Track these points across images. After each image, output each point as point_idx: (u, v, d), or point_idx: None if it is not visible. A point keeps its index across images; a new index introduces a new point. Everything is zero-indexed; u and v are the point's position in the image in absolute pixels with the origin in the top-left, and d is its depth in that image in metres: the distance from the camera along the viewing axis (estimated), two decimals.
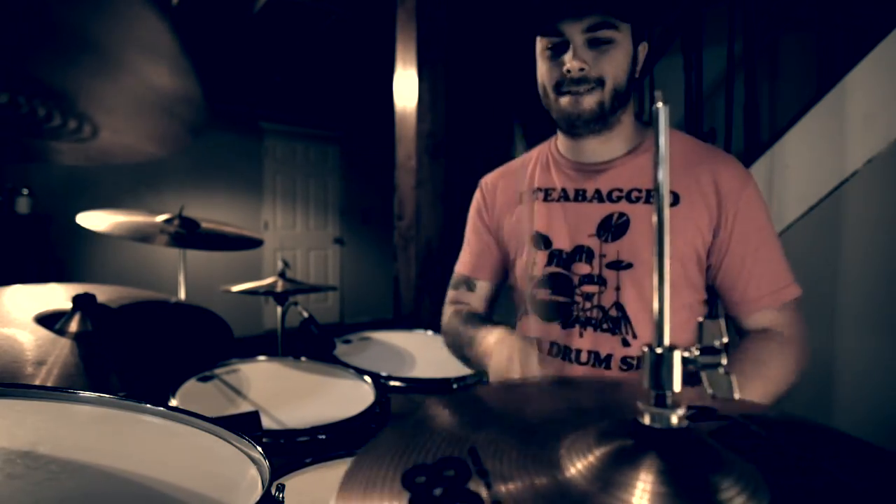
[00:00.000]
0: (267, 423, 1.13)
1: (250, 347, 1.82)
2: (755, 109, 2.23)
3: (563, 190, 1.08)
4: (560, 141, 1.11)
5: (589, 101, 0.96)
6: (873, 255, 1.74)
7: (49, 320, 0.95)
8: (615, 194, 1.02)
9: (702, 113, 2.52)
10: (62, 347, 0.88)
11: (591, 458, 0.37)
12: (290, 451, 1.05)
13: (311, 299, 5.93)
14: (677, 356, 0.37)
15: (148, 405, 0.71)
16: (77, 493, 0.55)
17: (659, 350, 0.38)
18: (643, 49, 1.00)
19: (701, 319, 0.39)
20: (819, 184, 1.85)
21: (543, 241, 1.07)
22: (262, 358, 1.52)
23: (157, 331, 1.08)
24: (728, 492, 0.34)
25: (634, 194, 1.01)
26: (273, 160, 5.84)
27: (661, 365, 0.37)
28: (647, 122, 1.09)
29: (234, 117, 5.41)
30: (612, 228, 1.00)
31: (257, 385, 1.34)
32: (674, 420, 0.37)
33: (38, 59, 0.58)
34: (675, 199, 0.97)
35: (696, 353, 0.38)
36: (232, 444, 0.67)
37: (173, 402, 1.18)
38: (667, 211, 0.37)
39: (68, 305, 0.96)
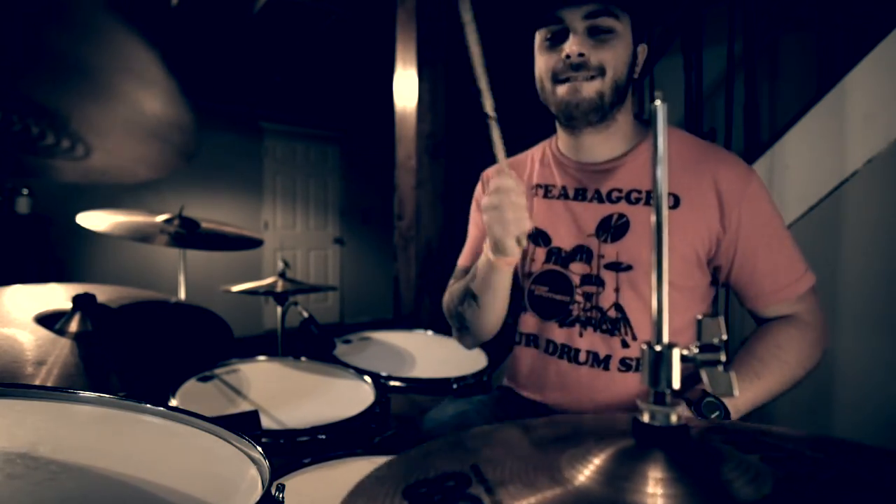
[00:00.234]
0: (267, 423, 1.13)
1: (250, 347, 1.82)
2: (755, 109, 2.23)
3: (564, 188, 1.07)
4: (560, 139, 1.11)
5: (588, 90, 0.95)
6: (873, 255, 1.74)
7: (49, 320, 0.95)
8: (615, 195, 1.02)
9: (702, 113, 2.52)
10: (62, 347, 0.88)
11: (595, 461, 0.37)
12: (290, 451, 1.05)
13: (311, 299, 5.93)
14: (676, 354, 0.37)
15: (148, 405, 0.71)
16: (77, 493, 0.55)
17: (658, 348, 0.38)
18: (642, 51, 1.00)
19: (700, 317, 0.39)
20: (819, 184, 1.85)
21: (542, 237, 1.07)
22: (262, 358, 1.52)
23: (157, 331, 1.08)
24: (737, 480, 0.34)
25: (634, 195, 1.00)
26: (273, 160, 5.84)
27: (660, 362, 0.37)
28: (646, 120, 1.09)
29: (234, 117, 5.41)
30: (612, 229, 1.00)
31: (257, 385, 1.34)
32: (673, 417, 0.37)
33: (32, 80, 0.59)
34: (676, 202, 0.96)
35: (696, 350, 0.39)
36: (232, 444, 0.67)
37: (173, 402, 1.18)
38: (665, 209, 0.38)
39: (68, 305, 0.96)
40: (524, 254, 1.09)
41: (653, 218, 0.38)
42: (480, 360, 1.66)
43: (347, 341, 1.78)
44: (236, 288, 1.93)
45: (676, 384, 0.37)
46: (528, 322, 1.09)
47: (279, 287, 1.92)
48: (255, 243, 2.07)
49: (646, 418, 0.38)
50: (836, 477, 0.37)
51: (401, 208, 3.13)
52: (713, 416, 0.87)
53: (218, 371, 1.39)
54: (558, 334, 1.04)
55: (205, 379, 1.33)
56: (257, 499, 0.55)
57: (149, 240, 1.74)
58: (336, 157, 6.30)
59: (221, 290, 2.02)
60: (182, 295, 2.07)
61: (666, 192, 0.39)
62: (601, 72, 0.94)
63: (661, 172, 0.38)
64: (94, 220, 1.68)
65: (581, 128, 1.01)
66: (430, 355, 1.71)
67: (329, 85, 5.82)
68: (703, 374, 0.39)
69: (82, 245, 4.60)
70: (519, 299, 1.12)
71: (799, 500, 0.33)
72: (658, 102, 0.37)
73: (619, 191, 1.02)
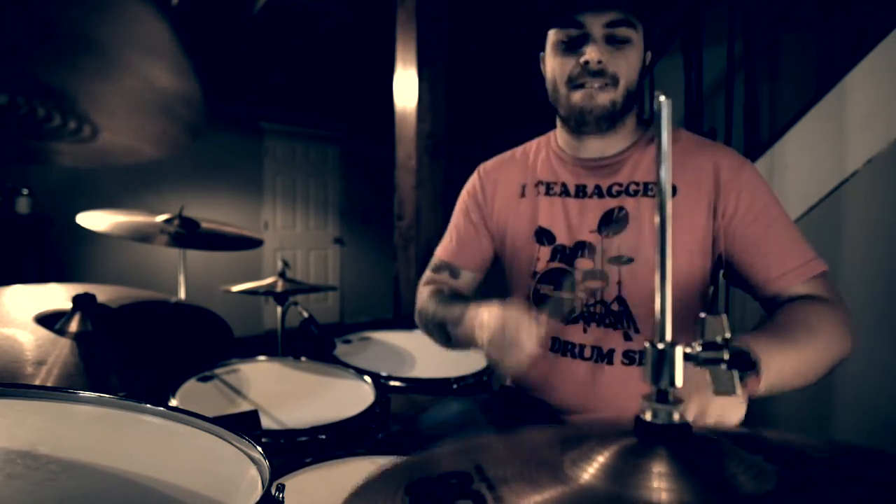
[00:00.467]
0: (267, 423, 1.13)
1: (250, 347, 1.82)
2: (755, 109, 2.23)
3: (564, 185, 1.08)
4: (560, 136, 1.11)
5: (603, 98, 0.96)
6: (873, 255, 1.74)
7: (49, 320, 0.95)
8: (615, 189, 1.03)
9: (702, 113, 2.52)
10: (62, 347, 0.88)
11: (599, 460, 0.37)
12: (290, 451, 1.05)
13: (311, 299, 5.93)
14: (679, 352, 0.37)
15: (148, 405, 0.71)
16: (77, 493, 0.55)
17: (661, 346, 0.38)
18: (648, 56, 1.01)
19: (703, 315, 0.39)
20: (819, 184, 1.85)
21: (546, 235, 1.07)
22: (262, 358, 1.52)
23: (157, 331, 1.08)
24: (740, 476, 0.34)
25: (633, 188, 1.01)
26: (273, 160, 5.84)
27: (662, 361, 0.37)
28: (646, 120, 1.09)
29: (234, 117, 5.41)
30: (613, 223, 1.01)
31: (257, 385, 1.34)
32: (675, 416, 0.37)
33: (37, 59, 0.58)
34: (673, 191, 0.98)
35: (699, 348, 0.38)
36: (232, 444, 0.66)
37: (173, 402, 1.18)
38: (669, 207, 0.37)
39: (68, 305, 0.96)
40: (529, 254, 1.09)
41: (657, 218, 0.38)
42: (481, 359, 1.66)
43: (347, 341, 1.78)
44: (236, 288, 1.92)
45: (679, 382, 0.37)
46: None
47: (279, 287, 1.92)
48: (255, 243, 2.07)
49: (648, 416, 0.38)
50: (841, 475, 0.37)
51: (401, 208, 3.13)
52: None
53: (218, 371, 1.39)
54: (563, 332, 1.04)
55: (205, 379, 1.33)
56: (257, 499, 0.55)
57: (149, 240, 1.74)
58: (336, 157, 6.30)
59: (221, 290, 2.02)
60: (182, 295, 2.07)
61: (670, 190, 0.39)
62: (615, 81, 0.95)
63: (665, 169, 0.37)
64: (94, 220, 1.68)
65: (589, 133, 1.02)
66: (430, 355, 1.71)
67: (329, 85, 5.82)
68: (707, 374, 0.39)
69: (82, 245, 4.60)
70: (519, 298, 1.12)
71: (802, 496, 0.33)
72: (662, 99, 0.37)
73: (620, 185, 1.03)
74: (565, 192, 1.07)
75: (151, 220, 1.83)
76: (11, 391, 0.69)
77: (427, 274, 1.24)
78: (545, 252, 1.07)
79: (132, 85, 0.65)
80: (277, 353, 1.72)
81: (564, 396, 1.05)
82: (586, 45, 0.94)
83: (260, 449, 0.62)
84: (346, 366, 1.47)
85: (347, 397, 1.28)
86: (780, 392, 0.78)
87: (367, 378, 1.38)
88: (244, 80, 5.35)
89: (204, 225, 1.91)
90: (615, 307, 0.99)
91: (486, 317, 0.87)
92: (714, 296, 1.06)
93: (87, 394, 0.71)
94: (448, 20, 3.13)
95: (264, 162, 5.76)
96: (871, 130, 1.73)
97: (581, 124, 1.00)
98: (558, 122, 1.10)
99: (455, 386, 1.47)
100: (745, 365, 0.71)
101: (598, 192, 1.04)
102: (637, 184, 1.01)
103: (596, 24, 0.93)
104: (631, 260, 0.98)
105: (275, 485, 0.60)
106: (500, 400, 1.16)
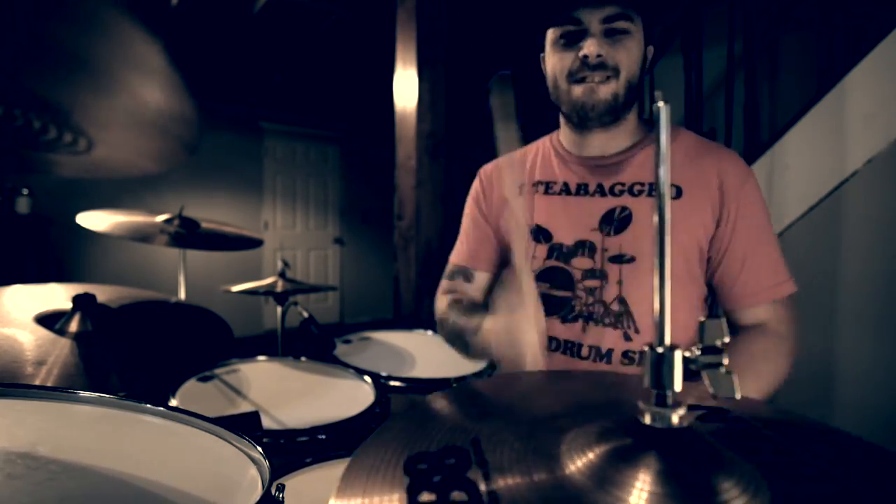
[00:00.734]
0: (267, 423, 1.13)
1: (250, 347, 1.82)
2: (755, 109, 2.23)
3: (565, 183, 1.08)
4: (563, 134, 1.11)
5: (604, 91, 0.96)
6: (873, 255, 1.74)
7: (49, 320, 0.95)
8: (617, 188, 1.03)
9: (702, 113, 2.52)
10: (62, 347, 0.88)
11: (590, 456, 0.37)
12: (290, 451, 1.05)
13: (311, 299, 5.93)
14: (678, 356, 0.37)
15: (148, 405, 0.71)
16: (77, 493, 0.55)
17: (660, 349, 0.38)
18: (650, 52, 1.01)
19: (703, 319, 0.39)
20: (819, 184, 1.85)
21: (543, 234, 1.07)
22: (262, 358, 1.52)
23: (157, 331, 1.08)
24: (728, 493, 0.34)
25: (637, 188, 1.01)
26: (273, 160, 5.84)
27: (661, 364, 0.37)
28: (648, 120, 1.09)
29: (234, 117, 5.41)
30: (615, 222, 1.01)
31: (257, 385, 1.34)
32: (674, 420, 0.37)
33: (34, 73, 0.58)
34: (678, 193, 0.98)
35: (698, 352, 0.38)
36: (232, 444, 0.67)
37: (173, 402, 1.18)
38: (668, 210, 0.38)
39: (68, 305, 0.96)
40: (525, 252, 1.09)
41: (655, 218, 0.38)
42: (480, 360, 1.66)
43: (347, 341, 1.78)
44: (236, 288, 1.92)
45: (678, 386, 0.37)
46: None
47: (279, 287, 1.92)
48: (255, 243, 2.07)
49: (647, 420, 0.38)
50: (836, 487, 0.37)
51: (401, 208, 3.13)
52: None
53: (218, 371, 1.39)
54: (560, 330, 1.04)
55: (205, 379, 1.33)
56: (257, 499, 0.55)
57: (149, 240, 1.74)
58: (336, 157, 6.30)
59: (221, 290, 2.02)
60: (182, 295, 2.07)
61: (668, 195, 0.39)
62: (616, 73, 0.96)
63: (664, 174, 0.38)
64: (94, 220, 1.68)
65: (592, 128, 1.02)
66: (430, 355, 1.71)
67: (329, 85, 5.82)
68: (705, 377, 0.39)
69: (82, 245, 4.60)
70: (517, 296, 1.12)
71: None
72: (661, 104, 0.37)
73: (622, 184, 1.03)
74: (566, 190, 1.07)
75: (151, 220, 1.83)
76: (11, 391, 0.69)
77: (444, 283, 1.25)
78: (541, 250, 1.07)
79: (127, 102, 0.65)
80: (277, 353, 1.72)
81: None
82: (585, 40, 0.94)
83: (260, 449, 0.62)
84: (346, 366, 1.47)
85: (347, 397, 1.28)
86: None
87: (367, 378, 1.38)
88: (244, 80, 5.35)
89: (204, 225, 1.91)
90: (615, 307, 0.99)
91: (494, 329, 0.92)
92: (713, 299, 1.06)
93: (87, 394, 0.71)
94: (448, 20, 3.13)
95: (264, 162, 5.76)
96: (871, 130, 1.73)
97: (584, 119, 1.00)
98: (562, 121, 1.10)
99: (455, 386, 1.47)
100: None
101: (601, 190, 1.04)
102: (641, 184, 1.01)
103: (594, 20, 0.93)
104: (633, 259, 0.98)
105: (275, 485, 0.60)
106: None
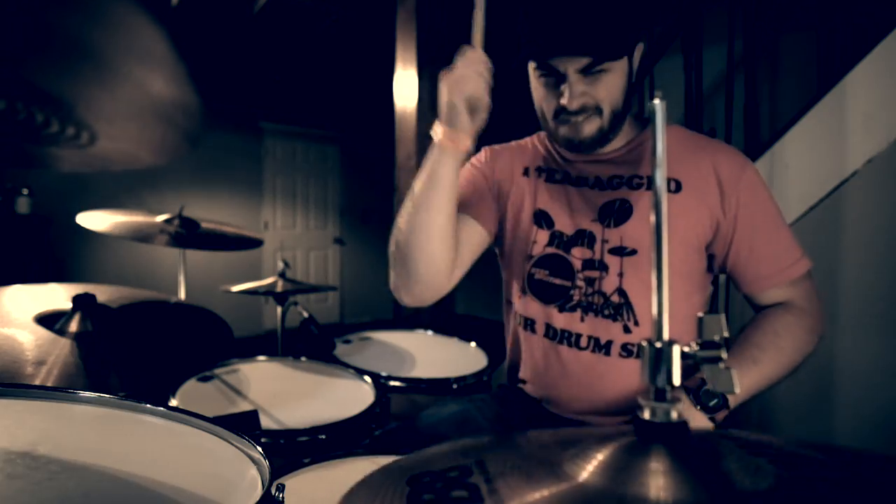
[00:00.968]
0: (267, 423, 1.13)
1: (250, 347, 1.82)
2: (755, 109, 2.23)
3: (566, 173, 1.08)
4: None
5: (589, 128, 0.97)
6: (873, 255, 1.74)
7: (49, 320, 0.95)
8: (616, 181, 1.03)
9: (702, 113, 2.52)
10: (62, 347, 0.88)
11: (598, 457, 0.37)
12: (290, 451, 1.05)
13: (311, 299, 5.93)
14: (676, 350, 0.38)
15: (148, 405, 0.71)
16: (77, 493, 0.55)
17: (658, 344, 0.38)
18: (639, 50, 0.99)
19: (701, 315, 0.39)
20: (819, 184, 1.85)
21: (545, 219, 1.07)
22: (262, 358, 1.52)
23: (157, 331, 1.08)
24: (738, 474, 0.34)
25: (636, 181, 1.02)
26: (273, 160, 5.84)
27: (660, 359, 0.37)
28: (646, 119, 1.10)
29: (234, 117, 5.40)
30: (615, 214, 1.01)
31: (257, 385, 1.34)
32: (673, 414, 0.37)
33: (36, 65, 0.58)
34: (678, 187, 0.98)
35: (696, 347, 0.39)
36: (232, 444, 0.67)
37: (173, 402, 1.18)
38: (664, 207, 0.38)
39: (68, 305, 0.96)
40: (526, 236, 1.08)
41: (652, 217, 0.38)
42: (480, 359, 1.66)
43: (347, 341, 1.79)
44: (236, 288, 1.93)
45: (677, 381, 0.37)
46: (528, 306, 1.09)
47: (279, 287, 1.92)
48: (255, 243, 2.07)
49: (646, 415, 0.38)
50: (839, 475, 0.37)
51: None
52: (712, 403, 0.88)
53: (218, 371, 1.39)
54: (558, 319, 1.04)
55: (205, 379, 1.33)
56: (257, 499, 0.55)
57: (149, 240, 1.74)
58: (336, 157, 6.30)
59: (221, 290, 2.02)
60: (182, 295, 2.07)
61: (664, 190, 0.39)
62: (599, 110, 0.96)
63: (661, 172, 0.38)
64: (94, 220, 1.68)
65: (584, 153, 1.05)
66: (430, 355, 1.71)
67: (329, 85, 5.82)
68: (705, 371, 0.39)
69: (82, 245, 4.60)
70: (513, 281, 1.12)
71: (800, 494, 0.34)
72: (657, 101, 0.37)
73: (620, 178, 1.03)
74: (567, 179, 1.07)
75: (151, 220, 1.83)
76: (11, 391, 0.69)
77: None
78: (543, 236, 1.06)
79: (130, 93, 0.65)
80: (277, 353, 1.72)
81: (562, 388, 1.04)
82: (564, 83, 0.94)
83: (260, 449, 0.62)
84: (346, 366, 1.47)
85: (347, 397, 1.28)
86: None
87: (367, 378, 1.38)
88: (244, 80, 5.35)
89: (204, 225, 1.91)
90: (615, 299, 0.99)
91: (447, 78, 0.94)
92: (713, 295, 1.07)
93: (87, 394, 0.71)
94: (448, 20, 3.13)
95: (264, 162, 5.76)
96: (871, 130, 1.73)
97: (574, 149, 1.02)
98: None
99: (455, 386, 1.47)
100: (717, 406, 0.87)
101: (599, 183, 1.04)
102: (640, 177, 1.02)
103: (569, 67, 0.93)
104: (634, 252, 0.98)
105: (275, 485, 0.60)
106: (499, 399, 1.16)
